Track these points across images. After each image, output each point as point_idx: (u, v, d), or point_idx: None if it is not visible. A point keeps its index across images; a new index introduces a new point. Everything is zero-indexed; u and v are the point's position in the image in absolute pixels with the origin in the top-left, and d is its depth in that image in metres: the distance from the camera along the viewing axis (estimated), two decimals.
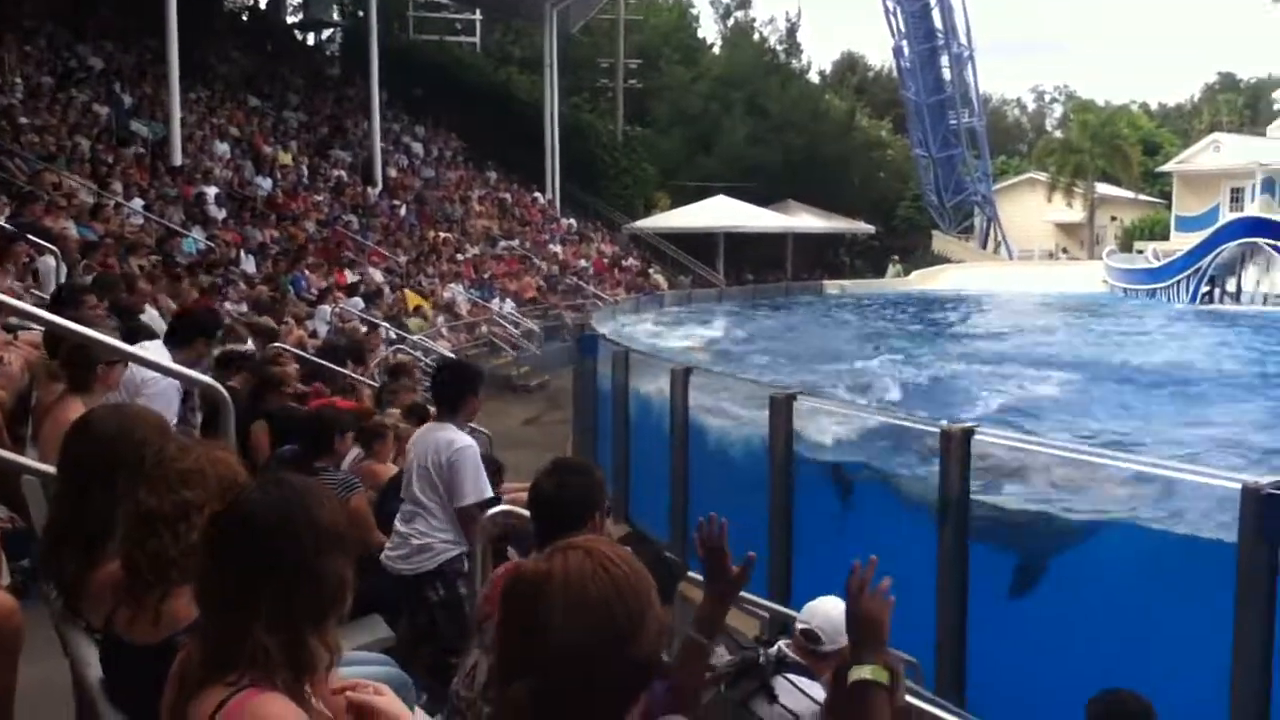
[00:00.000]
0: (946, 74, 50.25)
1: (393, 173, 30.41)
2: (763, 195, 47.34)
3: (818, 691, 3.13)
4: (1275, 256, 33.34)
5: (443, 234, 27.96)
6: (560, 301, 28.11)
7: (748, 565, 2.63)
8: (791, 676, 3.19)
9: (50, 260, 10.30)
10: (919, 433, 6.24)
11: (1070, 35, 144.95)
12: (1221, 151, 48.03)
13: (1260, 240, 33.89)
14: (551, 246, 33.26)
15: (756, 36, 59.99)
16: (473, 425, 8.87)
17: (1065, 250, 55.00)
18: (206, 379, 5.76)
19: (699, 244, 43.22)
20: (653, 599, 1.62)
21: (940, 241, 52.62)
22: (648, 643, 1.59)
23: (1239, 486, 4.00)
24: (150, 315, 9.02)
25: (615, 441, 9.38)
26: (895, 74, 53.57)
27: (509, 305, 25.21)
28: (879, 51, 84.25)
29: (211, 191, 19.91)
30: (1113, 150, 53.09)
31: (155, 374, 5.54)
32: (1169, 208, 51.49)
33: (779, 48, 59.39)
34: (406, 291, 21.47)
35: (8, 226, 10.74)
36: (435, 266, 24.93)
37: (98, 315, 6.77)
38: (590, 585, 1.57)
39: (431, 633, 5.01)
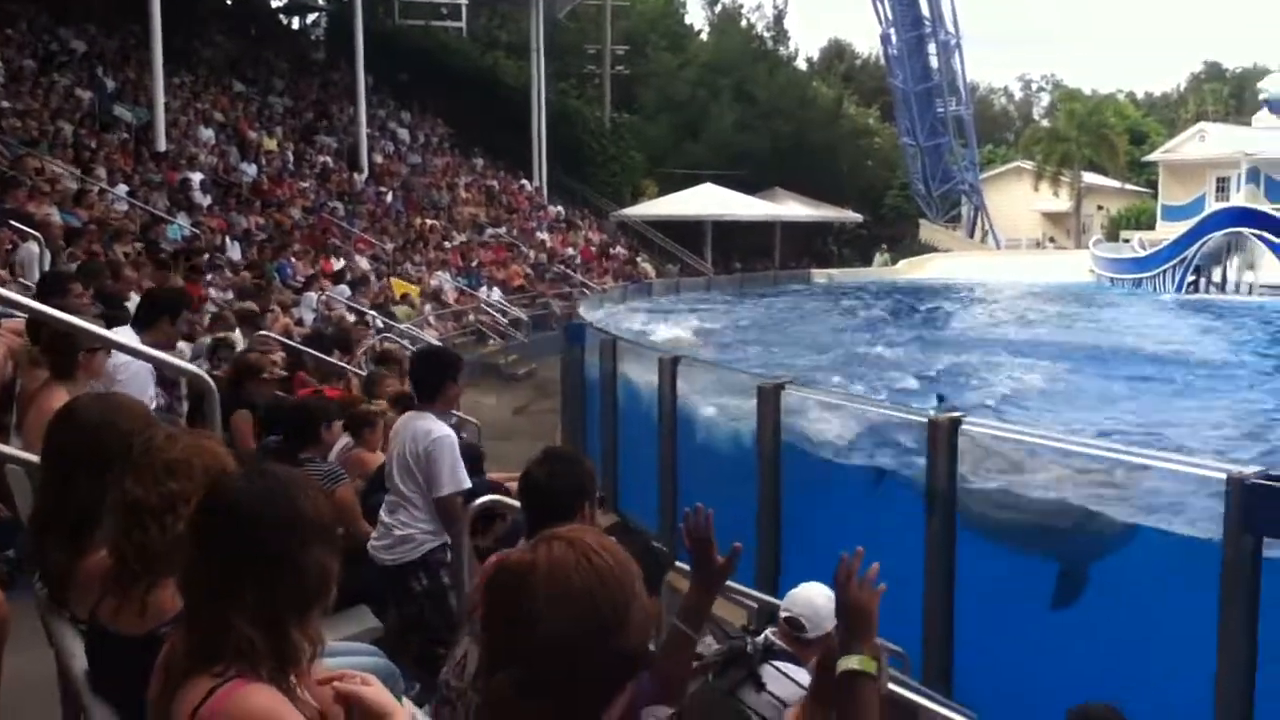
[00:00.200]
0: (934, 62, 50.26)
1: (379, 159, 30.26)
2: (750, 183, 47.31)
3: (805, 678, 3.13)
4: (1260, 246, 33.50)
5: (429, 221, 27.85)
6: (548, 289, 28.05)
7: (733, 556, 2.64)
8: (779, 664, 3.20)
9: (33, 247, 10.22)
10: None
11: (1057, 24, 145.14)
12: (1207, 141, 48.22)
13: (1245, 230, 34.04)
14: (539, 234, 33.18)
15: (744, 23, 59.85)
16: (461, 414, 8.88)
17: (1052, 239, 55.17)
18: (192, 368, 5.73)
19: (687, 232, 43.17)
20: (638, 590, 1.62)
21: (927, 230, 52.70)
22: (633, 633, 1.59)
23: (1224, 476, 4.02)
24: (136, 302, 8.96)
25: (603, 430, 9.38)
26: (883, 62, 53.59)
27: (496, 293, 25.16)
28: (866, 39, 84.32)
29: (196, 177, 19.79)
30: (1099, 139, 53.28)
31: (127, 358, 5.47)
32: (1155, 197, 51.70)
33: (766, 34, 59.27)
34: (393, 280, 21.41)
35: None
36: (422, 254, 24.85)
37: (83, 303, 6.72)
38: (574, 576, 1.56)
39: (419, 623, 5.00)
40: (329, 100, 31.96)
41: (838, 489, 7.03)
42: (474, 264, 26.60)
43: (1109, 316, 29.70)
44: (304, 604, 2.01)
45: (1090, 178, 54.34)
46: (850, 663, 2.35)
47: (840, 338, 23.29)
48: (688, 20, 60.04)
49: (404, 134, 33.97)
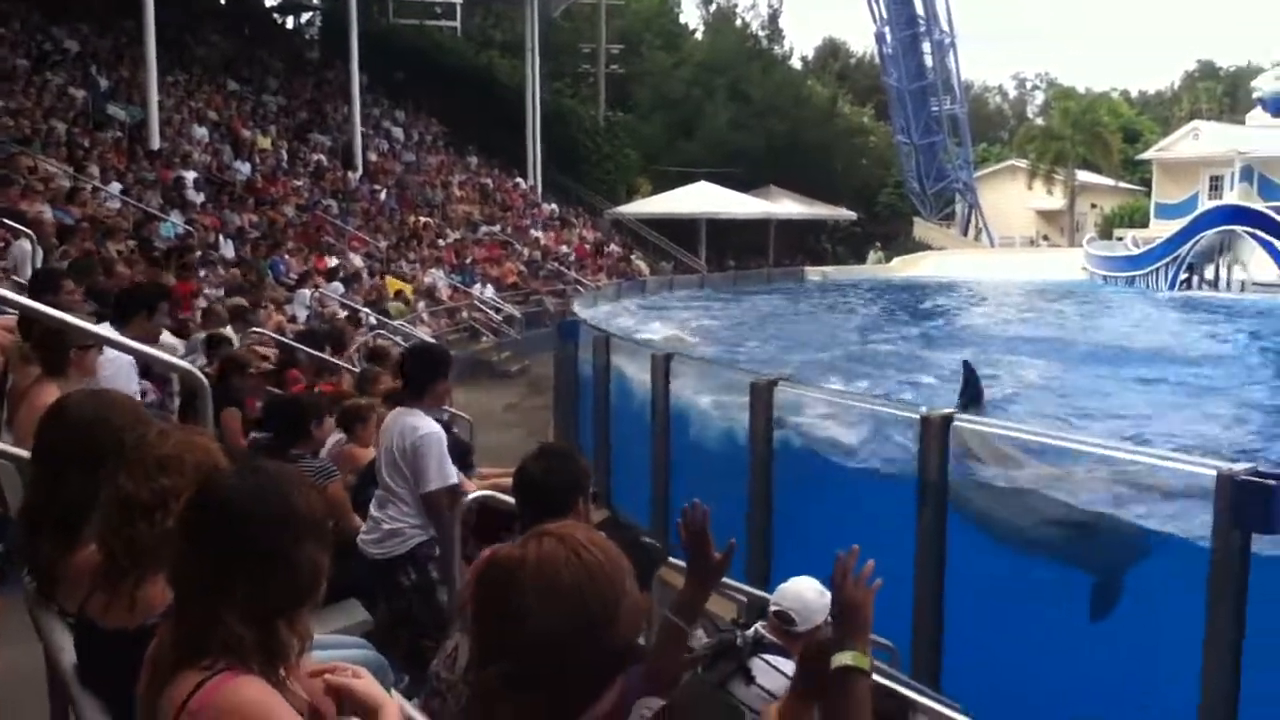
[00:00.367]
0: (928, 60, 50.30)
1: (373, 157, 30.24)
2: (745, 181, 47.31)
3: (794, 671, 3.14)
4: (1253, 244, 33.57)
5: (423, 219, 27.84)
6: (542, 287, 28.05)
7: (729, 552, 2.65)
8: (768, 657, 3.21)
9: (26, 244, 10.21)
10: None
11: (1051, 22, 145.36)
12: (1201, 139, 48.29)
13: (1239, 228, 34.09)
14: (533, 232, 33.16)
15: (739, 22, 59.94)
16: (454, 410, 8.86)
17: (1046, 237, 55.23)
18: (184, 364, 5.72)
19: (681, 230, 43.16)
20: (627, 585, 1.62)
21: (921, 228, 52.74)
22: (622, 628, 1.59)
23: (1214, 473, 4.03)
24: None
25: (596, 427, 9.39)
26: (877, 60, 53.60)
27: (490, 291, 25.15)
28: (861, 38, 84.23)
29: (190, 176, 19.75)
30: (1093, 137, 53.33)
31: (111, 353, 5.45)
32: (1149, 195, 51.76)
33: (761, 33, 59.33)
34: (388, 278, 21.39)
35: None
36: (416, 251, 24.83)
37: (75, 300, 6.71)
38: (563, 571, 1.57)
39: (408, 617, 5.02)
40: (323, 99, 31.92)
41: (830, 485, 7.05)
42: (468, 261, 26.59)
43: (1109, 315, 29.61)
44: (295, 601, 2.01)
45: (1084, 176, 54.41)
46: (845, 659, 2.38)
47: (841, 335, 23.25)
48: (682, 19, 60.20)
49: (398, 132, 33.94)
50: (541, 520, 1.75)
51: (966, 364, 8.94)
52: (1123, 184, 55.40)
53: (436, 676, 3.12)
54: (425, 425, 5.08)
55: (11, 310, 5.57)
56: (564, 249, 33.21)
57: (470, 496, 5.19)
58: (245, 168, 22.95)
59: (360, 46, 29.12)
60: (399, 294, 20.67)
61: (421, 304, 21.19)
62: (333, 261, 19.69)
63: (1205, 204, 40.33)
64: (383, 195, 27.97)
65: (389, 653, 3.89)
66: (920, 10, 49.01)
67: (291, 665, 2.02)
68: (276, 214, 20.99)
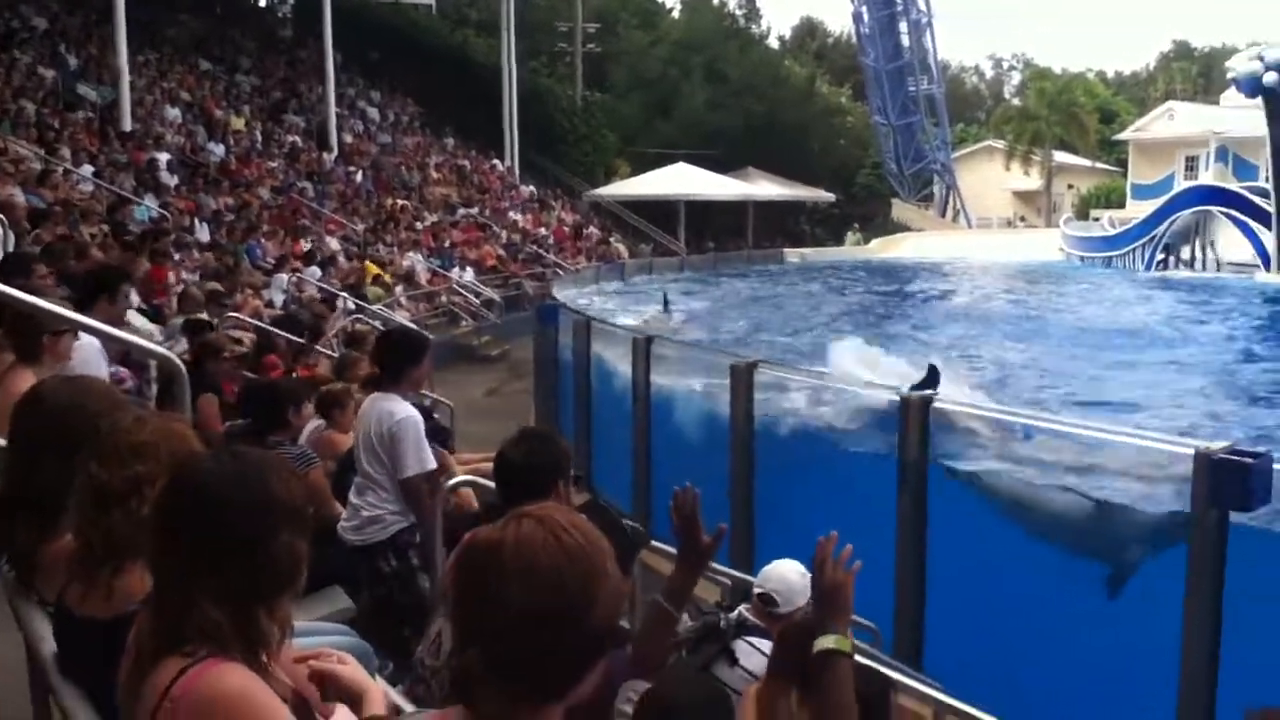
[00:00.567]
0: (905, 40, 50.37)
1: (348, 138, 29.98)
2: (723, 162, 47.26)
3: None
4: (1229, 224, 33.85)
5: (400, 201, 27.65)
6: (521, 270, 27.95)
7: (718, 536, 2.67)
8: (752, 639, 3.22)
9: None
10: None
11: (1027, 1, 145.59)
12: (1176, 120, 48.58)
13: (1214, 208, 34.38)
14: (511, 214, 33.02)
15: (715, 1, 59.70)
16: (435, 396, 8.83)
17: (1023, 218, 55.54)
18: (161, 349, 5.66)
19: (660, 212, 43.11)
20: (608, 568, 1.62)
21: (900, 209, 52.90)
22: (602, 611, 1.59)
23: (1191, 452, 4.07)
24: None
25: (577, 410, 9.38)
26: (854, 40, 53.61)
27: (469, 274, 25.02)
28: (838, 17, 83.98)
29: (163, 158, 19.53)
30: (1069, 118, 53.63)
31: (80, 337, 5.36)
32: (1125, 176, 52.07)
33: (738, 12, 59.27)
34: (367, 263, 21.25)
35: None
36: (393, 235, 24.67)
37: (47, 284, 6.61)
38: (541, 554, 1.56)
39: (389, 604, 5.01)
40: (297, 79, 31.60)
41: (812, 467, 7.07)
42: (446, 245, 26.44)
43: (1094, 295, 29.70)
44: (274, 588, 2.00)
45: (1061, 157, 54.71)
46: (827, 642, 2.41)
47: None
48: None
49: (373, 113, 33.67)
50: (521, 503, 1.74)
51: (932, 366, 9.03)
52: (1099, 164, 55.72)
53: (421, 663, 3.11)
54: (402, 410, 5.04)
55: None
56: (543, 231, 33.08)
57: (450, 483, 5.17)
58: (219, 149, 22.72)
59: (334, 25, 28.81)
60: (377, 278, 20.55)
61: (399, 288, 21.07)
62: (308, 245, 19.54)
63: (1181, 184, 40.58)
64: (358, 177, 27.75)
65: (372, 639, 3.88)
66: None
67: (273, 652, 2.01)
68: (251, 196, 20.80)
